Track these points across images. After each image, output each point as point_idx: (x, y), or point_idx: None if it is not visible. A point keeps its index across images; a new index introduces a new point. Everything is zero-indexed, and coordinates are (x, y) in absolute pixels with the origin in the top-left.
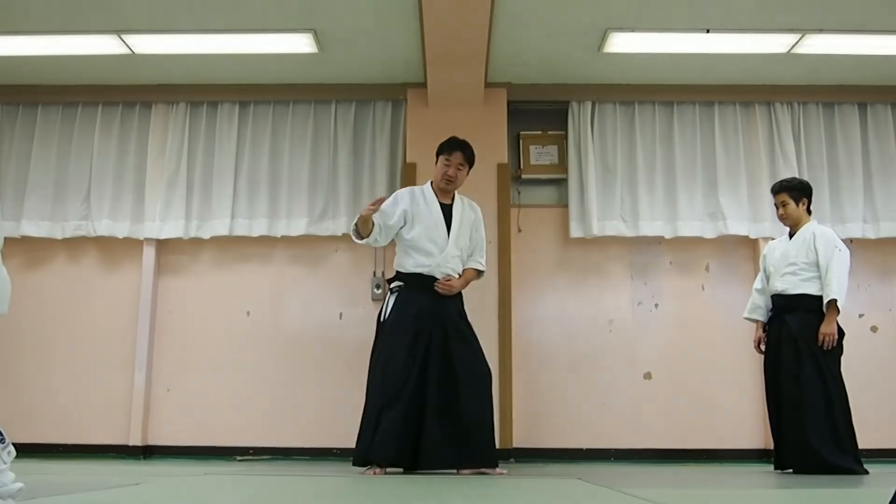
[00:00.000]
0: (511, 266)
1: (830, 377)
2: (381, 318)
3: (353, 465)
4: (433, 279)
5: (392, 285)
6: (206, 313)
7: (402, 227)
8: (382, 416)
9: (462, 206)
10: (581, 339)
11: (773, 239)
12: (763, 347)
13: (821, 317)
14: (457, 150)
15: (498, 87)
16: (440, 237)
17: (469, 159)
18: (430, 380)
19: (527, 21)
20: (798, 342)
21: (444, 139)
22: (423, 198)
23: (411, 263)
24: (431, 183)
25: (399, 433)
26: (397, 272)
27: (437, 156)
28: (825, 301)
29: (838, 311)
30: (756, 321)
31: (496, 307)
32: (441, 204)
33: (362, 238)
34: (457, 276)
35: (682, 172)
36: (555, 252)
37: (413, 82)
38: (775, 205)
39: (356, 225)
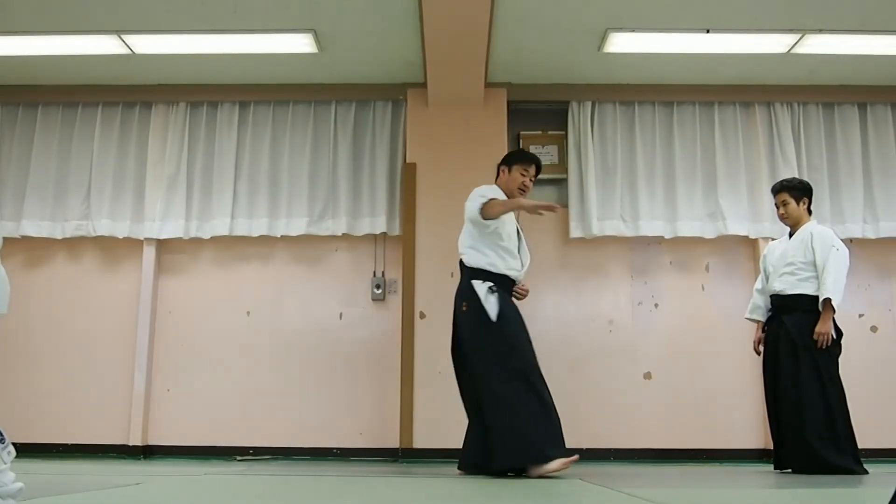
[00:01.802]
0: None
1: (828, 377)
2: (490, 318)
3: (527, 463)
4: (514, 283)
5: (487, 284)
6: (206, 313)
7: (497, 225)
8: (548, 407)
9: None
10: (581, 339)
11: (772, 239)
12: (761, 348)
13: (818, 317)
14: (535, 163)
15: (498, 87)
16: (517, 246)
17: (538, 176)
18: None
19: (527, 21)
20: (796, 342)
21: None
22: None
23: (504, 266)
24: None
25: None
26: (486, 271)
27: (510, 164)
28: (820, 300)
29: (834, 311)
30: (756, 321)
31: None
32: None
33: (489, 219)
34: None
35: (681, 172)
36: (555, 252)
37: (413, 82)
38: (776, 204)
39: (492, 202)
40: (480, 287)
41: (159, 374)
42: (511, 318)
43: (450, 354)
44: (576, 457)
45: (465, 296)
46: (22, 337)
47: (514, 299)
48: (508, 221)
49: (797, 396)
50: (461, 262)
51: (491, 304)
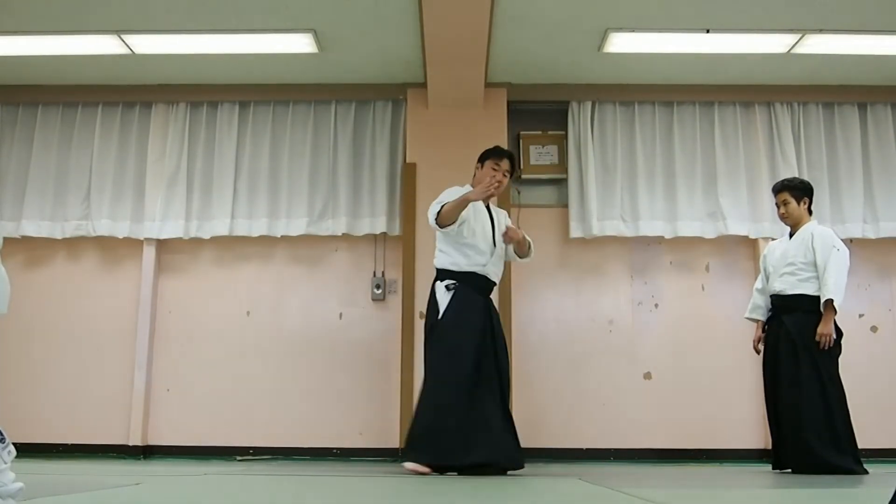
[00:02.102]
0: (511, 266)
1: (828, 377)
2: (437, 316)
3: (406, 459)
4: (485, 279)
5: (446, 283)
6: (206, 313)
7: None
8: (451, 415)
9: (496, 210)
10: (581, 339)
11: (773, 239)
12: (761, 347)
13: (819, 317)
14: (506, 157)
15: (498, 87)
16: (490, 238)
17: (513, 170)
18: (486, 377)
19: (527, 21)
20: (796, 343)
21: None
22: None
23: (467, 262)
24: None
25: (465, 431)
26: (448, 270)
27: (482, 161)
28: (822, 300)
29: (835, 311)
30: (756, 321)
31: (496, 307)
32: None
33: (445, 225)
34: (498, 280)
35: (681, 172)
36: (555, 252)
37: (413, 82)
38: (776, 204)
39: (444, 208)
40: (440, 286)
41: (159, 374)
42: (456, 319)
43: None
44: (427, 470)
45: (429, 299)
46: (22, 337)
47: (486, 296)
48: (475, 220)
49: (797, 396)
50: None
51: (443, 304)
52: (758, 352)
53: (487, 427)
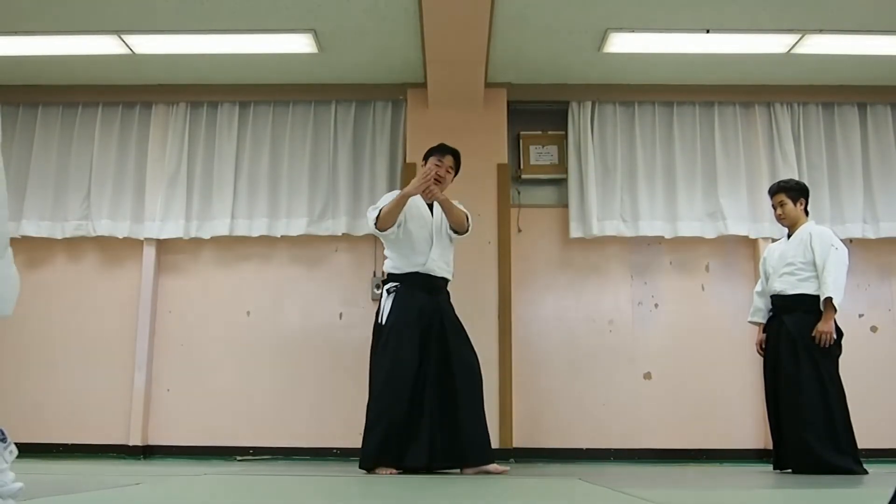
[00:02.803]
0: (511, 266)
1: (828, 378)
2: (379, 320)
3: (361, 466)
4: (428, 276)
5: (388, 286)
6: (206, 313)
7: (396, 231)
8: (390, 416)
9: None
10: (581, 339)
11: (772, 239)
12: (760, 344)
13: (818, 317)
14: (448, 153)
15: (498, 87)
16: (429, 233)
17: (457, 166)
18: (432, 378)
19: (527, 21)
20: (796, 343)
21: (439, 141)
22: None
23: (406, 264)
24: None
25: (406, 434)
26: (391, 274)
27: (426, 158)
28: (821, 299)
29: (835, 310)
30: (758, 324)
31: (496, 307)
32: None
33: (386, 228)
34: (448, 275)
35: (681, 173)
36: (555, 252)
37: (413, 82)
38: (773, 206)
39: (381, 212)
40: (384, 291)
41: (159, 374)
42: (397, 325)
43: None
44: (391, 471)
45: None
46: (22, 337)
47: (434, 295)
48: (409, 219)
49: (797, 396)
50: None
51: (385, 307)
52: (761, 354)
53: (455, 428)
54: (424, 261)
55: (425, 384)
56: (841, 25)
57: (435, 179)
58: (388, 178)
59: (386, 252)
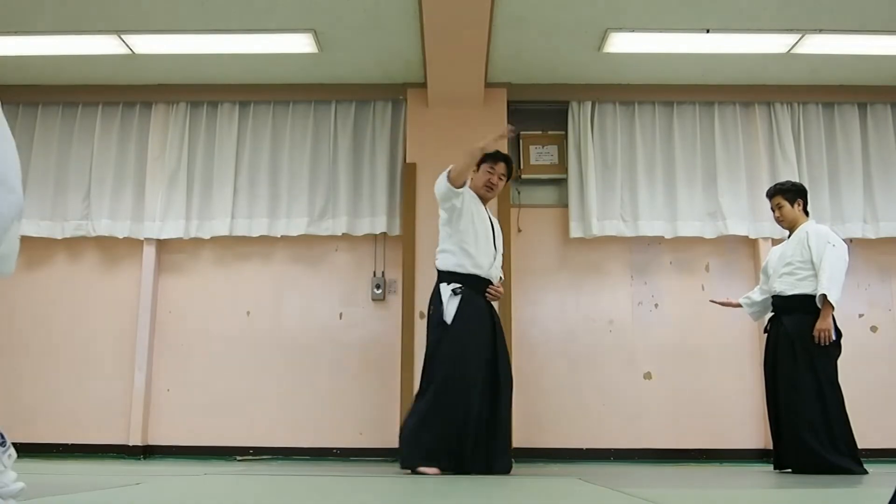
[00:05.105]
0: (511, 266)
1: (826, 378)
2: (443, 318)
3: (406, 463)
4: (487, 282)
5: (452, 286)
6: (206, 313)
7: (459, 216)
8: (449, 416)
9: (494, 219)
10: (581, 339)
11: (773, 239)
12: (719, 303)
13: (817, 317)
14: (501, 160)
15: (498, 87)
16: (490, 241)
17: (509, 173)
18: (484, 386)
19: (527, 21)
20: (794, 343)
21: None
22: (473, 198)
23: (470, 263)
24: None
25: (457, 436)
26: (452, 272)
27: (478, 165)
28: (817, 296)
29: (832, 307)
30: (739, 305)
31: (496, 307)
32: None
33: (458, 186)
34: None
35: (681, 172)
36: (555, 252)
37: (413, 82)
38: (771, 208)
39: (453, 169)
40: (445, 289)
41: (159, 374)
42: (465, 324)
43: None
44: (436, 471)
45: (432, 299)
46: (22, 337)
47: (487, 299)
48: (478, 220)
49: (795, 397)
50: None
51: (450, 307)
52: (715, 301)
53: (492, 434)
54: (488, 266)
55: (481, 391)
56: (841, 25)
57: (487, 186)
58: (388, 178)
59: (448, 247)
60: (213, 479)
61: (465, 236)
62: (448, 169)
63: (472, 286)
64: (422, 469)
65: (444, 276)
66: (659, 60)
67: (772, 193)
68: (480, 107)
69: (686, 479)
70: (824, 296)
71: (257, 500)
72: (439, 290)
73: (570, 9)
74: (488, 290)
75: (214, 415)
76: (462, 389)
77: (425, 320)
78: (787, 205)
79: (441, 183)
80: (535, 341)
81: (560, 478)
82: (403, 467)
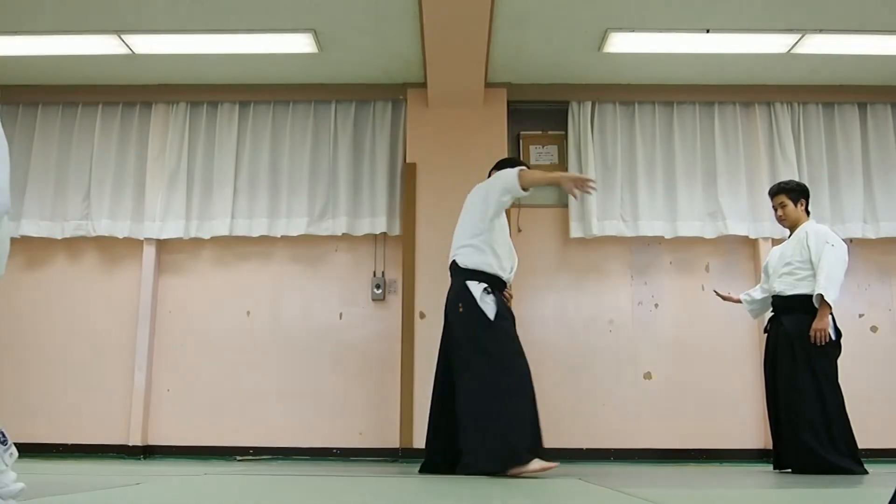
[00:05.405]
0: None
1: (825, 378)
2: (486, 315)
3: (511, 464)
4: (505, 286)
5: (482, 285)
6: (206, 313)
7: (500, 215)
8: (531, 410)
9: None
10: (581, 339)
11: (773, 239)
12: (721, 295)
13: (816, 317)
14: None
15: (498, 87)
16: (513, 249)
17: None
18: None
19: (527, 21)
20: (794, 343)
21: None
22: None
23: (497, 265)
24: None
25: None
26: (481, 271)
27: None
28: (814, 296)
29: (830, 307)
30: (739, 301)
31: None
32: None
33: (526, 189)
34: None
35: (682, 172)
36: (555, 252)
37: (413, 82)
38: (773, 207)
39: (529, 172)
40: (476, 287)
41: (159, 374)
42: (507, 319)
43: None
44: (556, 464)
45: (461, 297)
46: (22, 337)
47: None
48: (505, 227)
49: (794, 397)
50: (453, 264)
51: (488, 305)
52: (716, 293)
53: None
54: (510, 270)
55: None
56: (841, 25)
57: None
58: (388, 178)
59: (476, 242)
60: (213, 479)
61: (497, 236)
62: (521, 168)
63: (497, 287)
64: (539, 465)
65: (469, 273)
66: (659, 60)
67: (775, 192)
68: (480, 107)
69: (686, 479)
70: (821, 296)
71: (257, 500)
72: (467, 287)
73: (570, 9)
74: (506, 293)
75: (214, 415)
76: (527, 381)
77: (425, 320)
78: (790, 204)
79: (512, 178)
80: (535, 341)
81: (560, 478)
82: (516, 464)
